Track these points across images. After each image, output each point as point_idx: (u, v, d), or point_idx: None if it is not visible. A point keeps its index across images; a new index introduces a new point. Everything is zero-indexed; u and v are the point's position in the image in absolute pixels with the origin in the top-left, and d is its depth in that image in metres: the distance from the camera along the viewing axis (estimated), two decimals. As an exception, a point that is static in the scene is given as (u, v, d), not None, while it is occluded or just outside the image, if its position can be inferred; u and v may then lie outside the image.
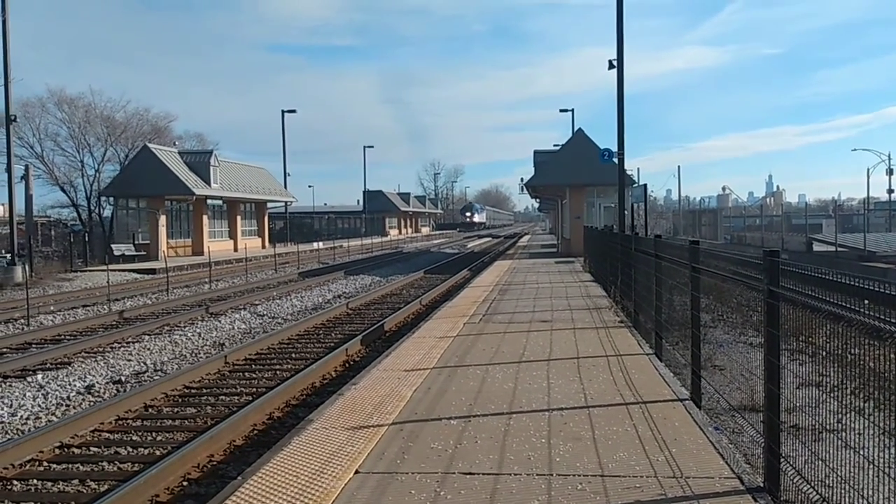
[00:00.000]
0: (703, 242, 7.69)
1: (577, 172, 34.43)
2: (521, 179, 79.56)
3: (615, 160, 25.36)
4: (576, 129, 41.98)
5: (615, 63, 24.13)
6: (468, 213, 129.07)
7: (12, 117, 29.00)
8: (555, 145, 52.61)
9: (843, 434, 3.73)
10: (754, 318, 5.88)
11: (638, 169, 64.62)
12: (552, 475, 5.07)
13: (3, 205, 49.88)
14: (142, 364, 12.22)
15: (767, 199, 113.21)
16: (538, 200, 64.23)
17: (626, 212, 25.16)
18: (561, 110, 63.63)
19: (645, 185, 24.81)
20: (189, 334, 15.02)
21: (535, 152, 45.96)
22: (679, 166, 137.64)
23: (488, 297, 16.82)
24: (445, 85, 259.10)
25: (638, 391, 7.47)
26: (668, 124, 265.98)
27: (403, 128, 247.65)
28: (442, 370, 8.76)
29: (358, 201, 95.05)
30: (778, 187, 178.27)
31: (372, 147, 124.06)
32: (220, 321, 16.86)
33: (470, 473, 5.14)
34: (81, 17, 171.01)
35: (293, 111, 61.04)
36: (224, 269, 33.98)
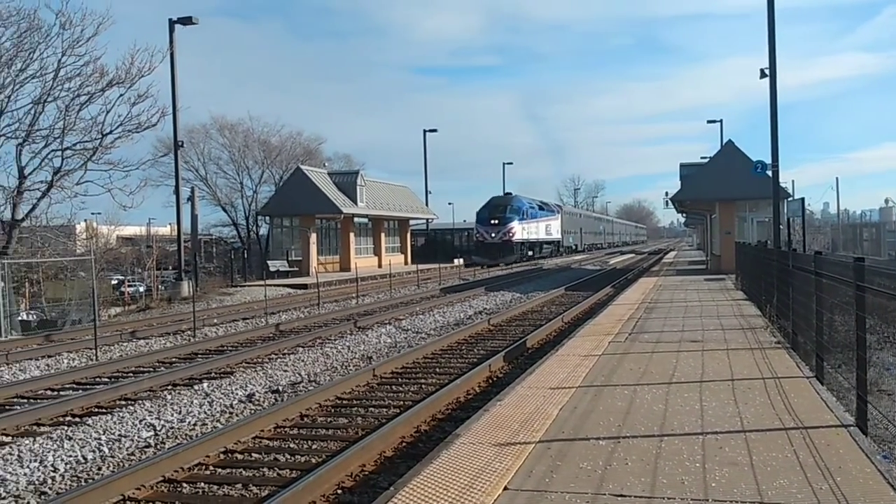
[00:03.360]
0: (865, 259, 7.26)
1: (727, 186, 33.05)
2: (666, 193, 76.50)
3: (769, 172, 24.21)
4: (723, 140, 40.38)
5: (767, 72, 23.12)
6: (494, 221, 55.63)
7: (179, 143, 31.30)
8: (702, 158, 50.76)
9: None
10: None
11: (792, 181, 61.26)
12: (707, 500, 4.91)
13: (171, 224, 53.94)
14: (297, 375, 12.83)
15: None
16: (684, 215, 62.19)
17: (781, 227, 23.92)
18: (708, 121, 61.41)
19: (802, 199, 23.56)
20: (339, 347, 15.62)
21: (681, 165, 44.55)
22: (837, 178, 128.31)
23: (633, 315, 16.45)
24: (584, 100, 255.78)
25: (798, 416, 7.09)
26: (822, 134, 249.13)
27: (542, 143, 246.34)
28: (588, 389, 8.66)
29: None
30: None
31: (511, 163, 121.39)
32: (367, 335, 17.42)
33: (621, 496, 5.05)
34: (241, 48, 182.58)
35: (434, 130, 62.49)
36: (370, 284, 35.09)
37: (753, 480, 5.28)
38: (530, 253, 60.44)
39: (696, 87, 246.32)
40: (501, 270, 47.12)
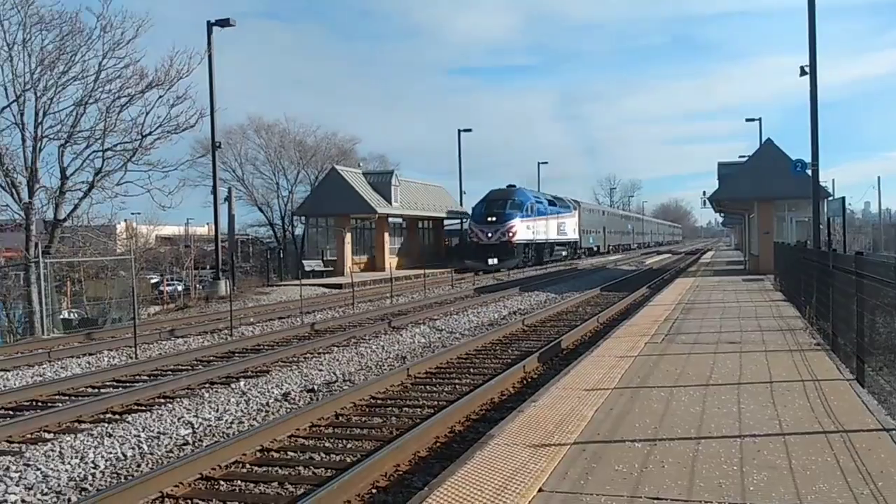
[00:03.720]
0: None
1: (766, 185, 32.53)
2: (703, 193, 75.34)
3: (808, 171, 23.81)
4: (762, 139, 39.81)
5: (807, 69, 22.73)
6: (491, 218, 46.29)
7: (217, 144, 31.68)
8: (740, 157, 50.08)
9: None
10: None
11: (833, 180, 60.14)
12: (745, 505, 4.86)
13: (208, 224, 54.69)
14: (332, 374, 12.92)
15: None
16: (722, 215, 61.44)
17: (820, 227, 23.51)
18: (747, 120, 60.44)
19: (843, 199, 23.00)
20: (373, 347, 15.69)
21: (719, 164, 44.10)
22: (878, 177, 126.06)
23: (670, 316, 16.28)
24: (620, 99, 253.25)
25: (838, 419, 6.97)
26: (864, 132, 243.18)
27: (578, 143, 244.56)
28: (623, 391, 8.59)
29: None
30: None
31: (546, 163, 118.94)
32: (401, 335, 17.47)
33: (658, 499, 5.01)
34: (278, 49, 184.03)
35: (469, 130, 62.26)
36: (404, 284, 35.16)
37: (792, 484, 5.20)
38: (563, 252, 55.68)
39: (735, 86, 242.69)
40: (535, 271, 46.66)
